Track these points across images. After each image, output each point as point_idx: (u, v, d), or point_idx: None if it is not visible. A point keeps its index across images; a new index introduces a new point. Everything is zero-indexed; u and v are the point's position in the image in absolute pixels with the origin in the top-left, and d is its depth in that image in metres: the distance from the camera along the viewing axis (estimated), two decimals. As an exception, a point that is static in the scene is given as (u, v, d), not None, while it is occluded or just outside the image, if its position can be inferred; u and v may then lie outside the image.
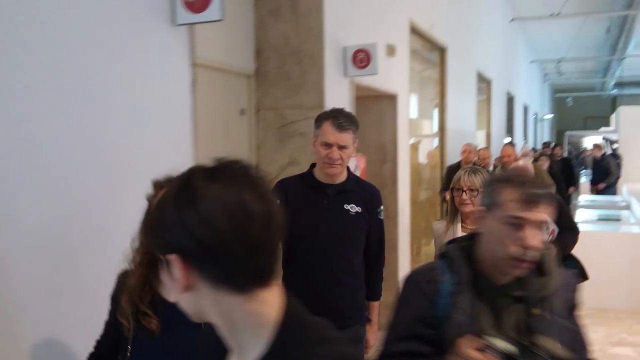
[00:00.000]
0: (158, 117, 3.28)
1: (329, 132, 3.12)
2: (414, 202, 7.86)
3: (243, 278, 1.14)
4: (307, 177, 3.31)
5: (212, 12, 3.29)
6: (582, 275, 4.52)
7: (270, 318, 1.17)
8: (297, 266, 3.21)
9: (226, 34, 4.29)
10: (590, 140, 23.01)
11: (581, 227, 5.00)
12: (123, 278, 2.19)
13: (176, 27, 3.37)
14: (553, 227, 4.27)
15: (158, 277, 1.99)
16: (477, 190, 3.40)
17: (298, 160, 4.59)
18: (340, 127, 3.11)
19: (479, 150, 9.21)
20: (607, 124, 26.32)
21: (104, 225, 2.88)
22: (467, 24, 10.91)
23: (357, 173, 5.14)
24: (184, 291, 1.15)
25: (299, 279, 3.15)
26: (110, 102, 2.94)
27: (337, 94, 4.88)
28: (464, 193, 3.48)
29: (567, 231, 4.56)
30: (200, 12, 3.30)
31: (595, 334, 6.44)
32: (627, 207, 10.96)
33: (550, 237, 4.28)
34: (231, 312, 1.16)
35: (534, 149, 17.78)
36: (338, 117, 3.14)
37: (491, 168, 9.25)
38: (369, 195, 3.34)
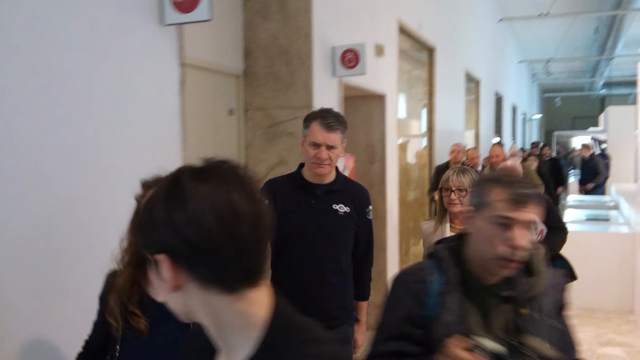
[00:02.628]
0: (146, 117, 3.27)
1: (318, 132, 3.12)
2: (403, 202, 7.87)
3: (232, 278, 1.13)
4: (296, 177, 3.31)
5: (200, 12, 3.28)
6: (571, 275, 4.53)
7: (258, 318, 1.16)
8: (286, 266, 3.21)
9: (215, 34, 4.29)
10: (578, 140, 23.17)
11: (570, 227, 5.00)
12: (112, 278, 2.18)
13: (164, 27, 3.36)
14: (542, 227, 4.28)
15: (147, 277, 1.99)
16: (466, 190, 3.40)
17: (286, 160, 4.58)
18: (329, 127, 3.11)
19: (468, 150, 9.22)
20: (595, 124, 26.44)
21: (91, 225, 2.87)
22: (455, 24, 10.94)
23: (346, 173, 5.14)
24: (172, 291, 1.15)
25: (288, 279, 3.15)
26: (98, 101, 2.92)
27: (326, 94, 4.88)
28: (452, 193, 3.49)
29: (556, 231, 4.57)
30: (188, 12, 3.29)
31: (584, 334, 6.47)
32: (616, 207, 11.03)
33: (539, 237, 4.29)
34: (220, 312, 1.16)
35: (522, 149, 17.81)
36: (326, 117, 3.14)
37: (480, 168, 9.25)
38: (358, 195, 3.34)
